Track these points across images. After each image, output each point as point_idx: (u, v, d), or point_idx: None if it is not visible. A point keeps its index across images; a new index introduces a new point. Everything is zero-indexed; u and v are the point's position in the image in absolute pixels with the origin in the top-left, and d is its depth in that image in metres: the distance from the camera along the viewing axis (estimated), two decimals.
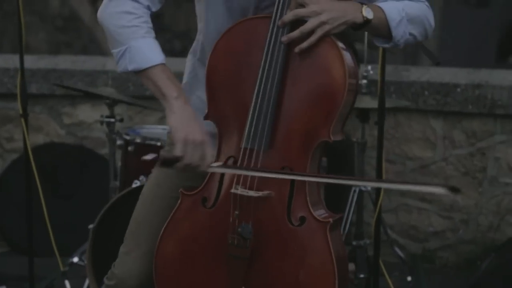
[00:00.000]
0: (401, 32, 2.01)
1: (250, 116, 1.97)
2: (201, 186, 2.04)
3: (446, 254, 4.15)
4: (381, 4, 2.02)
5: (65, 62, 4.39)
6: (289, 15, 1.95)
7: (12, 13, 3.03)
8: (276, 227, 1.97)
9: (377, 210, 3.15)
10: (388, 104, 3.78)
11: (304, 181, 1.95)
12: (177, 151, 1.93)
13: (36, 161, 3.38)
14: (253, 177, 1.97)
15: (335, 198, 3.88)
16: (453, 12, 10.40)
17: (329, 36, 1.95)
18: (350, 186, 3.70)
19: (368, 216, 3.86)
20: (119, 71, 2.01)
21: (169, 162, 1.96)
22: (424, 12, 2.06)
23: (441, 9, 10.38)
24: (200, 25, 2.13)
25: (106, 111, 3.40)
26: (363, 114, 3.58)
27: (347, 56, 1.97)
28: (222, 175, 2.02)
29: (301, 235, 1.95)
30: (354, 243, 3.63)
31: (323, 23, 1.93)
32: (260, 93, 1.96)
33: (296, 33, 1.95)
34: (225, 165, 2.00)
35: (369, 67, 3.59)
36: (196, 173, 1.98)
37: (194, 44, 2.17)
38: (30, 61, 4.30)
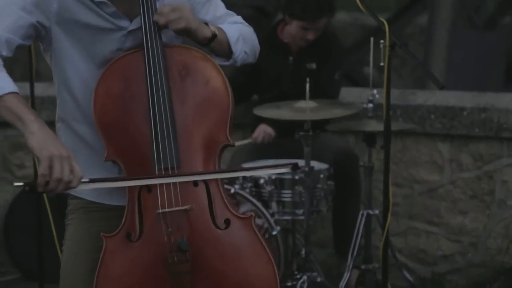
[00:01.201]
0: (239, 49, 2.22)
1: (154, 140, 2.08)
2: (121, 223, 2.10)
3: (456, 277, 4.15)
4: (220, 26, 2.22)
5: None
6: (161, 19, 2.10)
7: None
8: (207, 235, 2.09)
9: (385, 233, 3.17)
10: (395, 127, 3.81)
11: (218, 187, 2.11)
12: (43, 169, 1.91)
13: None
14: (175, 194, 2.07)
15: (342, 222, 3.90)
16: (460, 35, 10.42)
17: (200, 52, 2.14)
18: (358, 212, 3.72)
19: (377, 240, 3.86)
20: None
21: (38, 185, 1.92)
22: (253, 34, 2.30)
23: (448, 31, 10.42)
24: (64, 85, 2.17)
25: None
26: (370, 138, 3.60)
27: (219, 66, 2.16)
28: (140, 206, 2.09)
29: (231, 235, 2.10)
30: (363, 267, 3.64)
31: (185, 27, 2.12)
32: (157, 118, 2.09)
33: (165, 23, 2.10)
34: (95, 179, 2.04)
35: (375, 91, 3.63)
36: (66, 192, 1.98)
37: (59, 112, 2.22)
38: (41, 89, 4.35)
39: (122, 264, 2.09)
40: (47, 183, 1.92)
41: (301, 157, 3.56)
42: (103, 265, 2.09)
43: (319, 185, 3.68)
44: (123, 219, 2.10)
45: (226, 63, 2.23)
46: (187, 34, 2.13)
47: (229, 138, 2.13)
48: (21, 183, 1.96)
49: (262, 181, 3.66)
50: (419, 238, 4.20)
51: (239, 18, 2.30)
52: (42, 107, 4.33)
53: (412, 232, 4.22)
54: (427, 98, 4.17)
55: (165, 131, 2.08)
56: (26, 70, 3.35)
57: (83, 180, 1.97)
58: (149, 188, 2.08)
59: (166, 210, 2.06)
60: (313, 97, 3.57)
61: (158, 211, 2.06)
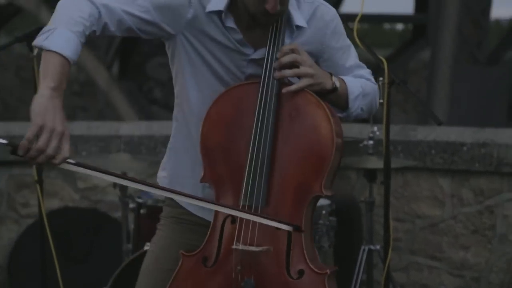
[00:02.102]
0: (356, 105, 2.20)
1: (246, 175, 2.08)
2: (201, 246, 2.12)
3: None
4: (343, 77, 2.20)
5: (80, 128, 4.51)
6: (289, 72, 2.11)
7: (30, 80, 3.13)
8: (277, 281, 2.05)
9: (386, 268, 3.18)
10: (396, 163, 3.85)
11: (301, 235, 2.06)
12: (30, 134, 1.84)
13: (50, 226, 3.45)
14: (252, 233, 2.06)
15: (344, 258, 3.91)
16: (462, 70, 10.53)
17: (315, 97, 2.11)
18: (359, 247, 3.74)
19: (379, 275, 3.88)
20: (33, 44, 2.00)
21: (19, 147, 1.84)
22: (375, 92, 2.28)
23: (450, 67, 10.51)
24: (182, 91, 2.21)
25: None
26: (370, 174, 3.64)
27: (333, 116, 2.12)
28: (221, 234, 2.10)
29: (300, 287, 2.04)
30: None
31: (310, 85, 2.12)
32: (255, 153, 2.08)
33: (293, 87, 2.11)
34: (81, 163, 1.93)
35: (375, 128, 3.67)
36: (48, 166, 1.96)
37: (175, 112, 2.26)
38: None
39: (192, 285, 2.10)
40: (29, 149, 1.84)
41: None
42: (175, 281, 2.11)
43: (321, 221, 3.69)
44: (204, 242, 2.11)
45: (339, 115, 2.20)
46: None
47: (323, 190, 2.07)
48: (4, 141, 1.86)
49: None
50: (421, 273, 4.21)
51: (367, 73, 2.29)
52: None
53: (414, 267, 4.23)
54: (428, 133, 4.22)
55: (259, 169, 2.08)
56: None
57: (69, 160, 1.88)
58: (234, 219, 2.09)
59: (240, 247, 2.05)
60: None
61: (233, 247, 2.06)
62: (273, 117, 2.09)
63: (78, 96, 17.98)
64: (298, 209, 2.08)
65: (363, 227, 3.88)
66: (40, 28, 2.81)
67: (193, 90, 2.18)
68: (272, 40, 2.12)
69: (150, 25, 2.10)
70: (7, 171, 4.46)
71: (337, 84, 2.15)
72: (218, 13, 2.12)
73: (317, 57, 2.21)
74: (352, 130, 4.30)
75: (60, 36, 1.95)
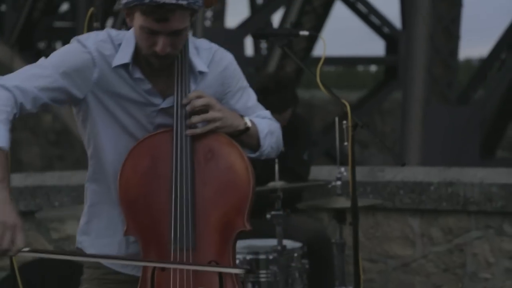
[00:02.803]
0: (267, 143, 2.29)
1: (172, 220, 2.14)
2: None
3: None
4: (251, 117, 2.30)
5: (52, 178, 4.53)
6: (197, 118, 2.19)
7: None
8: None
9: None
10: (365, 203, 3.91)
11: (231, 274, 2.15)
12: None
13: (24, 278, 3.44)
14: (187, 277, 2.12)
15: None
16: (433, 110, 10.68)
17: (227, 137, 2.20)
18: (332, 287, 3.77)
19: None
20: None
21: None
22: (279, 131, 2.37)
23: (422, 107, 10.67)
24: (96, 153, 2.25)
25: None
26: (340, 215, 3.68)
27: (244, 152, 2.22)
28: (152, 285, 2.14)
29: None
30: None
31: (218, 128, 2.21)
32: (178, 198, 2.15)
33: (198, 130, 2.20)
34: (35, 249, 2.08)
35: (343, 169, 3.73)
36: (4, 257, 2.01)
37: (89, 173, 2.30)
38: (18, 179, 4.44)
39: None
40: None
41: (272, 237, 3.63)
42: None
43: (293, 264, 3.73)
44: None
45: (252, 155, 2.28)
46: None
47: (246, 224, 2.17)
48: None
49: (237, 261, 3.71)
50: None
51: (267, 113, 2.37)
52: (20, 197, 4.40)
53: None
54: (395, 174, 4.29)
55: (184, 213, 2.14)
56: (11, 160, 3.40)
57: (24, 249, 1.97)
58: (163, 267, 2.14)
59: None
60: (282, 178, 3.67)
61: None
62: (190, 161, 2.16)
63: (55, 145, 17.94)
64: (226, 246, 2.17)
65: (335, 268, 3.91)
66: None
67: (108, 150, 2.22)
68: (179, 87, 2.20)
69: (61, 92, 2.15)
70: None
71: (249, 123, 2.24)
72: (125, 66, 2.18)
73: (220, 99, 2.29)
74: (321, 173, 4.36)
75: None
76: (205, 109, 2.19)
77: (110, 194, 2.24)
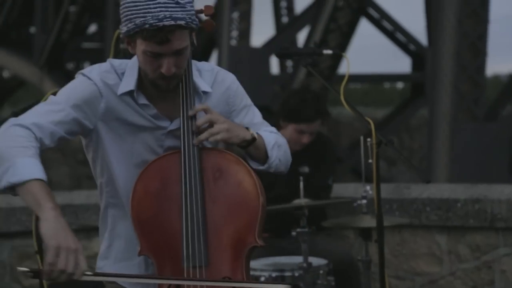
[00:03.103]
0: (274, 155, 2.32)
1: (184, 239, 2.18)
2: None
3: None
4: (257, 131, 2.33)
5: (79, 197, 4.58)
6: (205, 135, 2.23)
7: None
8: None
9: None
10: (391, 222, 3.89)
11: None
12: (49, 258, 1.99)
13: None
14: None
15: None
16: (460, 127, 10.63)
17: (234, 156, 2.24)
18: None
19: None
20: (1, 188, 2.08)
21: (43, 273, 1.99)
22: (286, 145, 2.41)
23: (449, 124, 10.63)
24: (110, 180, 2.30)
25: None
26: (365, 233, 3.68)
27: (252, 169, 2.25)
28: None
29: None
30: None
31: (225, 139, 2.24)
32: (189, 218, 2.19)
33: (203, 135, 2.23)
34: (99, 272, 2.16)
35: (368, 187, 3.73)
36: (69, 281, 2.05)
37: (108, 199, 2.33)
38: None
39: None
40: (51, 271, 1.99)
41: (298, 254, 3.63)
42: None
43: (319, 281, 3.73)
44: None
45: (261, 167, 2.32)
46: (225, 142, 2.25)
47: (257, 240, 2.20)
48: (26, 269, 2.02)
49: (263, 279, 3.72)
50: None
51: (273, 129, 2.41)
52: None
53: None
54: (422, 191, 4.28)
55: (196, 231, 2.18)
56: None
57: (87, 272, 2.04)
58: (178, 285, 2.17)
59: None
60: (306, 196, 3.67)
61: None
62: (199, 181, 2.21)
63: (83, 164, 18.12)
64: (238, 262, 2.20)
65: (361, 286, 3.90)
66: (36, 103, 2.91)
67: (121, 176, 2.27)
68: (185, 108, 2.25)
69: (74, 124, 2.21)
70: (9, 243, 4.51)
71: (255, 134, 2.28)
72: (130, 93, 2.24)
73: (226, 118, 2.32)
74: (347, 190, 4.36)
75: (24, 166, 2.06)
76: (211, 124, 2.24)
77: (127, 217, 2.29)
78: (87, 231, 4.49)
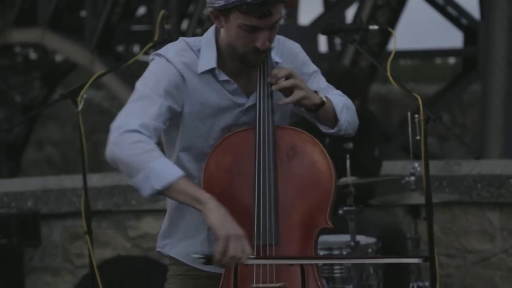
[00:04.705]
0: (343, 118, 2.29)
1: (256, 217, 2.16)
2: None
3: None
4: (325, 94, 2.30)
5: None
6: (284, 83, 2.20)
7: (88, 132, 3.24)
8: None
9: None
10: (441, 199, 3.84)
11: (312, 267, 2.15)
12: (221, 247, 2.06)
13: (104, 275, 3.53)
14: (270, 271, 2.14)
15: None
16: None
17: (309, 135, 2.22)
18: (408, 285, 3.73)
19: None
20: (147, 195, 2.12)
21: (214, 260, 2.08)
22: (353, 107, 2.38)
23: (502, 100, 10.40)
24: (177, 155, 2.29)
25: None
26: (414, 210, 3.64)
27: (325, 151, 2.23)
28: (235, 279, 2.17)
29: None
30: None
31: (303, 97, 2.21)
32: (261, 196, 2.17)
33: (289, 99, 2.21)
34: (257, 256, 2.16)
35: (416, 164, 3.68)
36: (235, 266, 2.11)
37: None
38: (96, 180, 4.55)
39: None
40: (222, 258, 2.07)
41: (346, 233, 3.61)
42: None
43: None
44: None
45: (331, 131, 2.32)
46: (300, 102, 2.23)
47: (328, 221, 2.19)
48: (200, 255, 2.11)
49: None
50: None
51: (340, 92, 2.41)
52: (98, 197, 4.52)
53: None
54: (472, 167, 4.20)
55: (267, 209, 2.17)
56: (90, 162, 3.47)
57: (250, 256, 2.10)
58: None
59: (260, 285, 2.14)
60: (353, 174, 3.64)
61: (252, 286, 2.14)
62: (273, 158, 2.18)
63: None
64: (307, 243, 2.17)
65: (410, 264, 3.86)
66: (83, 85, 2.91)
67: (190, 157, 2.27)
68: (262, 82, 2.23)
69: (168, 112, 2.20)
70: (61, 223, 4.59)
71: (324, 98, 2.26)
72: (211, 71, 2.22)
73: None
74: (396, 167, 4.31)
75: (161, 169, 2.09)
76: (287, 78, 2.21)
77: None
78: (136, 212, 4.54)
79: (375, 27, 3.31)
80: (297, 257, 2.18)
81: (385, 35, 11.49)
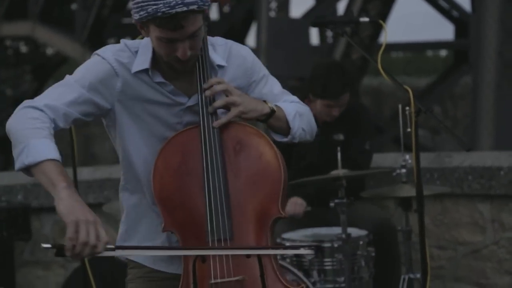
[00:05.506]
0: (296, 125, 2.29)
1: (208, 213, 2.17)
2: None
3: None
4: (277, 103, 2.30)
5: (119, 171, 4.60)
6: (219, 102, 2.21)
7: (79, 126, 3.22)
8: None
9: None
10: (431, 191, 3.84)
11: (270, 259, 2.16)
12: (70, 233, 1.97)
13: (96, 268, 3.53)
14: (227, 265, 2.15)
15: (385, 287, 3.90)
16: (505, 95, 10.41)
17: (254, 128, 2.22)
18: (399, 276, 3.74)
19: None
20: (17, 169, 2.09)
21: (64, 248, 1.98)
22: (309, 113, 2.37)
23: (493, 91, 10.42)
24: (127, 162, 2.28)
25: None
26: (405, 203, 3.64)
27: (271, 141, 2.23)
28: (195, 276, 2.17)
29: None
30: None
31: (241, 112, 2.22)
32: (211, 192, 2.17)
33: (224, 119, 2.22)
34: (119, 246, 2.15)
35: (407, 156, 3.68)
36: (94, 257, 2.03)
37: (122, 182, 2.33)
38: (87, 173, 4.54)
39: None
40: (74, 246, 1.98)
41: (337, 225, 3.61)
42: None
43: (359, 252, 3.70)
44: (180, 286, 2.17)
45: (285, 139, 2.31)
46: (240, 117, 2.23)
47: (281, 211, 2.19)
48: (49, 245, 2.01)
49: (301, 250, 3.70)
50: None
51: (295, 98, 2.38)
52: (89, 190, 4.50)
53: None
54: (463, 159, 4.20)
55: (219, 204, 2.17)
56: (81, 155, 3.49)
57: (109, 246, 2.02)
58: (203, 258, 2.17)
59: (219, 280, 2.13)
60: (344, 167, 3.64)
61: (211, 282, 2.14)
62: (220, 154, 2.19)
63: None
64: (262, 234, 2.19)
65: (402, 256, 3.87)
66: None
67: (138, 155, 2.25)
68: (201, 83, 2.23)
69: (89, 105, 2.19)
70: (51, 217, 4.58)
71: (273, 107, 2.26)
72: (145, 71, 2.22)
73: (245, 90, 2.31)
74: (387, 160, 4.31)
75: (37, 147, 2.06)
76: (226, 94, 2.22)
77: (144, 199, 2.29)
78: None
79: (366, 19, 3.31)
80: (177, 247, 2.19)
81: (377, 27, 11.49)
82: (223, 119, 2.22)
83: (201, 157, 2.20)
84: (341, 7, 16.39)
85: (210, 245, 2.16)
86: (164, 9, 2.08)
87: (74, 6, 17.04)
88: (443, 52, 22.58)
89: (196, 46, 2.18)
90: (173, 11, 2.08)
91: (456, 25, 14.47)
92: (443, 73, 14.42)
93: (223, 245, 2.16)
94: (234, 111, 2.22)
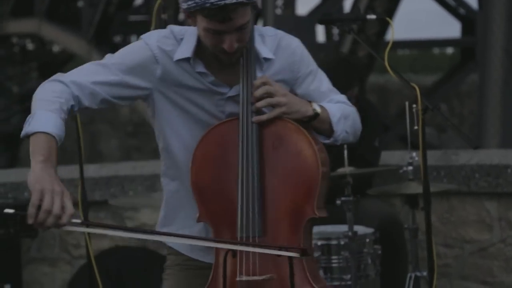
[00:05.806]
0: (340, 128, 2.25)
1: (239, 208, 2.14)
2: (207, 285, 2.19)
3: None
4: (322, 103, 2.26)
5: (125, 168, 4.62)
6: (262, 103, 2.17)
7: (86, 123, 3.23)
8: None
9: None
10: (440, 188, 3.83)
11: (301, 259, 2.11)
12: (33, 199, 1.92)
13: (102, 265, 3.53)
14: (253, 263, 2.12)
15: (391, 286, 3.89)
16: None
17: (295, 124, 2.18)
18: (406, 274, 3.73)
19: None
20: (21, 137, 2.07)
21: (28, 215, 1.91)
22: (355, 115, 2.33)
23: (499, 89, 10.39)
24: (163, 145, 2.28)
25: None
26: (412, 200, 3.63)
27: (314, 141, 2.19)
28: (225, 270, 2.15)
29: None
30: None
31: (284, 113, 2.18)
32: (244, 187, 2.15)
33: (264, 116, 2.19)
34: (86, 221, 2.11)
35: (414, 154, 3.67)
36: (59, 229, 1.99)
37: (162, 168, 2.32)
38: (93, 170, 4.54)
39: None
40: (37, 214, 1.93)
41: (344, 223, 3.60)
42: None
43: (365, 250, 3.70)
44: (209, 281, 2.18)
45: (327, 141, 2.28)
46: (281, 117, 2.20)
47: (316, 211, 2.14)
48: (11, 211, 1.96)
49: None
50: None
51: (342, 97, 2.35)
52: (95, 187, 4.51)
53: None
54: (470, 157, 4.19)
55: (251, 201, 2.15)
56: (87, 152, 3.50)
57: (75, 220, 1.96)
58: (234, 253, 2.15)
59: (243, 278, 2.12)
60: (352, 164, 3.63)
61: (237, 279, 2.13)
62: (256, 149, 2.16)
63: (132, 137, 18.31)
64: (295, 234, 2.14)
65: (408, 254, 3.86)
66: None
67: (178, 142, 2.24)
68: (244, 76, 2.20)
69: (123, 87, 2.17)
70: None
71: (318, 109, 2.22)
72: (187, 60, 2.20)
73: (291, 85, 2.27)
74: (393, 157, 4.30)
75: (39, 118, 2.04)
76: (270, 95, 2.18)
77: (184, 186, 2.26)
78: (133, 201, 4.53)
79: (373, 16, 3.30)
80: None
81: (383, 25, 11.47)
82: (264, 116, 2.19)
83: (238, 150, 2.17)
84: (347, 5, 16.39)
85: (239, 240, 2.14)
86: (213, 0, 2.05)
87: (80, 4, 17.05)
88: (449, 50, 22.51)
89: (244, 39, 2.15)
90: (222, 2, 2.05)
91: (463, 22, 14.43)
92: (449, 71, 14.38)
93: (251, 242, 2.13)
94: (276, 111, 2.18)
